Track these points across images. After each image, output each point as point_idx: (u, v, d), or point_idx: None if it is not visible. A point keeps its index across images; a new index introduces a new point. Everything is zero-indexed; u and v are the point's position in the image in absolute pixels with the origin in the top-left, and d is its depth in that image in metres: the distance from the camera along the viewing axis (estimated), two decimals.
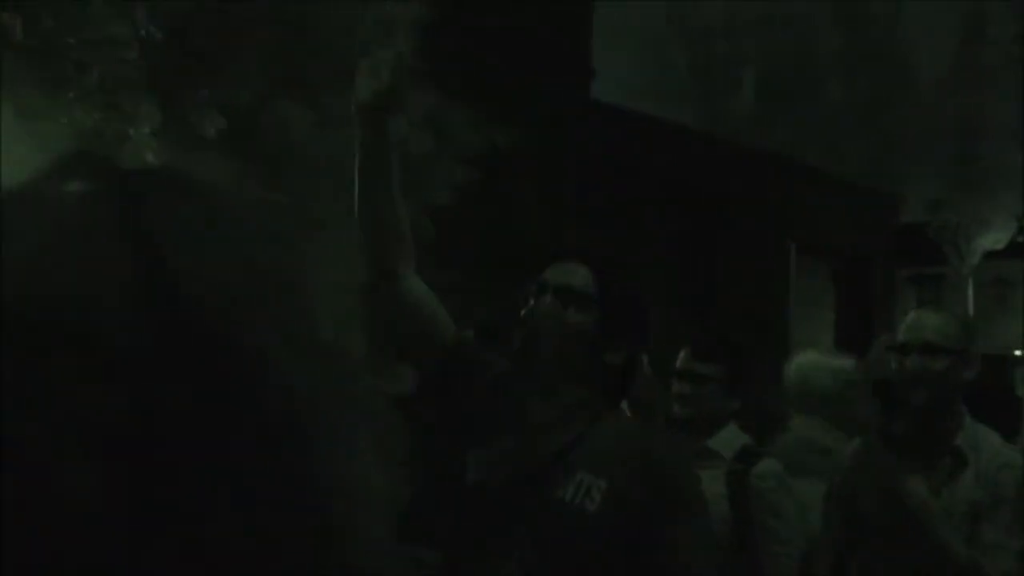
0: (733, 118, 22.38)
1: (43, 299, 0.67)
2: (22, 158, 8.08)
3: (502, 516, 2.87)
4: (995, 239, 22.13)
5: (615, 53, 16.90)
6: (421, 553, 3.70)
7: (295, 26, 8.42)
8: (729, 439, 4.47)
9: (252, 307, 0.71)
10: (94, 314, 0.66)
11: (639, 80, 20.00)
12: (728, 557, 4.23)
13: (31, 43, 8.00)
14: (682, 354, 4.63)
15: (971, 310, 21.86)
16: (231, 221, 0.75)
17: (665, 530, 2.85)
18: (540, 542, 2.81)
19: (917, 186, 22.41)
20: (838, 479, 4.31)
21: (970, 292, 22.04)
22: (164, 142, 8.02)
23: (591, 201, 14.04)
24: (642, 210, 15.48)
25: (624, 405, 6.28)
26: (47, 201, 0.72)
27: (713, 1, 23.45)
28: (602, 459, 2.86)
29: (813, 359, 5.42)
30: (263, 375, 0.70)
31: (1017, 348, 16.74)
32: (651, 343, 3.45)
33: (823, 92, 23.54)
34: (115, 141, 7.80)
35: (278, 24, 8.37)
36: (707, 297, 16.77)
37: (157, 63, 8.06)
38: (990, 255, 22.36)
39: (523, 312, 2.97)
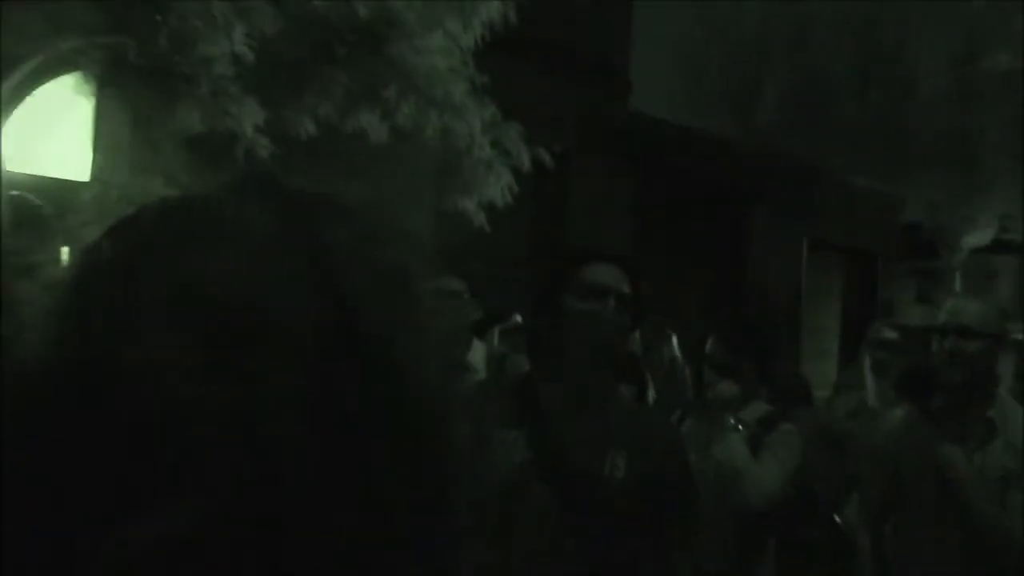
0: (757, 129, 22.33)
1: (243, 301, 0.68)
2: (138, 161, 8.19)
3: (552, 492, 2.94)
4: (980, 237, 22.20)
5: (653, 68, 16.86)
6: None
7: (371, 48, 8.41)
8: (756, 410, 4.53)
9: (388, 306, 0.74)
10: (278, 314, 0.68)
11: (675, 93, 19.99)
12: None
13: (143, 62, 8.05)
14: (709, 343, 4.65)
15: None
16: (372, 237, 0.78)
17: (669, 493, 3.03)
18: (579, 506, 2.91)
19: (916, 190, 22.34)
20: (881, 445, 4.36)
21: (958, 283, 22.08)
22: (272, 139, 8.08)
23: (629, 203, 14.05)
24: (671, 210, 15.44)
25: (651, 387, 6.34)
26: (232, 220, 0.73)
27: (744, 25, 23.39)
28: (620, 437, 2.99)
29: None
30: (403, 366, 0.72)
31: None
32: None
33: (837, 107, 23.45)
34: (228, 140, 7.86)
35: (356, 44, 8.36)
36: (733, 286, 16.73)
37: (255, 74, 8.08)
38: (976, 251, 22.40)
39: (568, 309, 3.02)
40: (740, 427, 4.39)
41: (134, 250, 0.73)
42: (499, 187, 9.32)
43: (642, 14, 15.97)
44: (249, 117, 7.94)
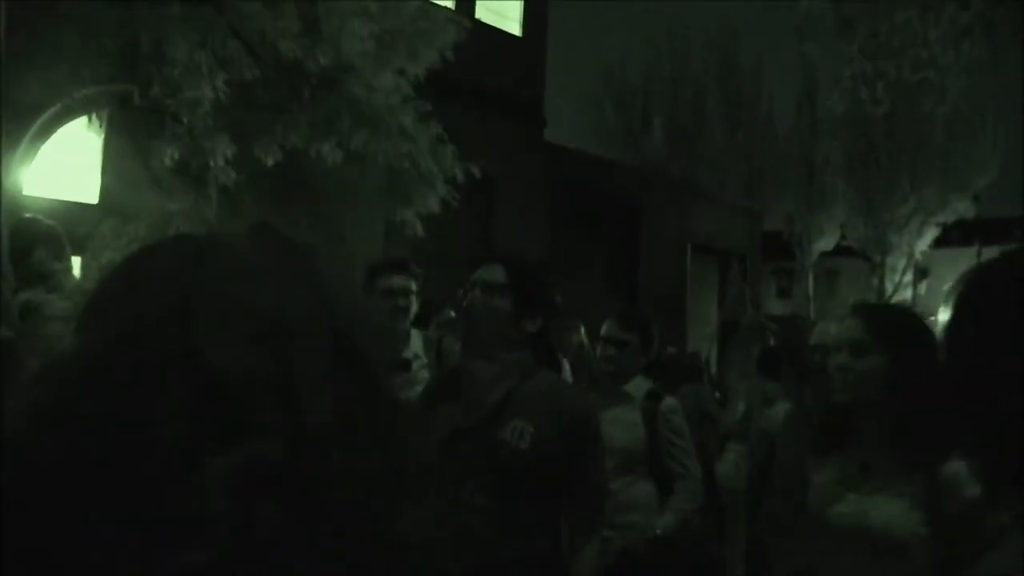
0: (647, 154, 22.53)
1: (257, 323, 0.70)
2: (138, 186, 8.11)
3: (459, 454, 2.84)
4: (826, 243, 22.62)
5: (562, 106, 16.96)
6: None
7: (330, 87, 8.38)
8: (639, 385, 4.52)
9: (362, 328, 0.76)
10: (287, 331, 0.70)
11: (579, 126, 20.15)
12: (644, 465, 4.35)
13: (142, 104, 7.98)
14: (607, 324, 4.64)
15: (811, 292, 22.23)
16: (347, 276, 0.82)
17: (575, 463, 2.86)
18: (486, 472, 2.79)
19: (776, 204, 22.66)
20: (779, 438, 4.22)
21: (811, 280, 22.47)
22: (239, 170, 8.01)
23: (544, 216, 14.09)
24: (578, 220, 15.51)
25: (566, 366, 6.30)
26: (245, 256, 0.75)
27: (631, 70, 23.63)
28: (532, 409, 2.83)
29: None
30: (382, 385, 0.76)
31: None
32: (559, 316, 3.46)
33: (709, 135, 23.75)
34: (201, 171, 7.81)
35: (318, 86, 8.33)
36: (630, 284, 16.84)
37: (229, 114, 8.02)
38: (823, 254, 22.80)
39: (463, 301, 3.00)
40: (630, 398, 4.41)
41: (153, 274, 0.74)
42: (436, 199, 9.26)
43: (552, 59, 16.05)
44: (220, 150, 7.88)
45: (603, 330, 4.62)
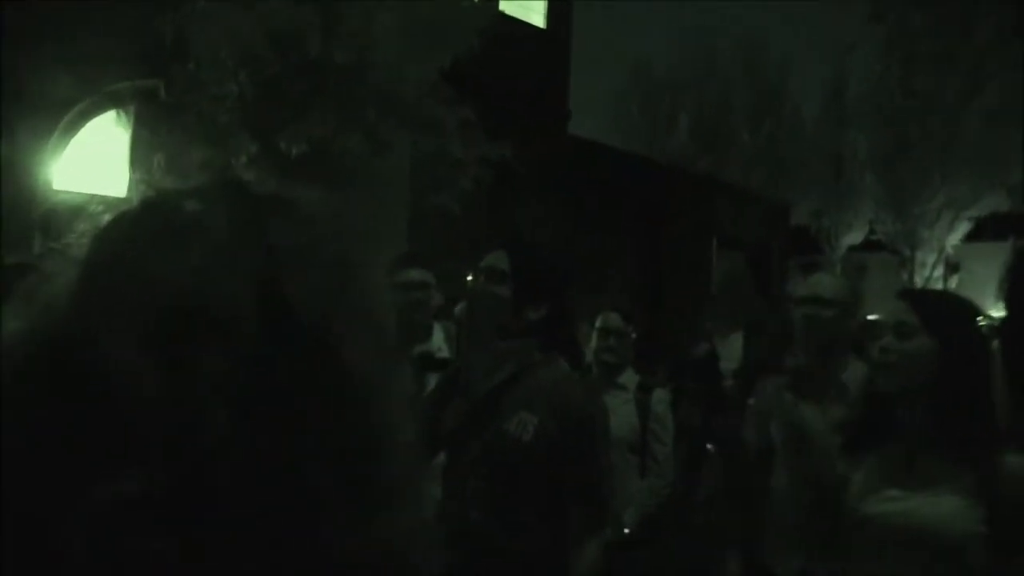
0: (672, 149, 22.47)
1: (189, 295, 0.64)
2: (164, 180, 8.18)
3: (462, 447, 2.78)
4: (854, 237, 22.45)
5: (588, 99, 16.93)
6: None
7: (355, 81, 8.42)
8: (631, 376, 4.61)
9: (331, 299, 0.68)
10: (220, 307, 0.64)
11: (604, 120, 20.12)
12: (635, 451, 4.43)
13: (168, 99, 8.07)
14: (606, 316, 4.70)
15: None
16: (321, 237, 0.72)
17: (580, 458, 2.76)
18: (489, 465, 2.70)
19: (802, 198, 22.55)
20: (757, 407, 4.23)
21: (799, 279, 22.24)
22: (261, 166, 8.07)
23: (566, 208, 14.08)
24: (602, 214, 15.50)
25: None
26: (189, 220, 0.68)
27: (658, 66, 23.55)
28: (535, 401, 2.73)
29: None
30: (338, 356, 0.67)
31: (871, 314, 16.81)
32: (570, 307, 3.35)
33: (735, 130, 23.65)
34: (219, 170, 7.87)
35: (343, 78, 8.37)
36: (653, 279, 16.81)
37: (255, 111, 8.09)
38: (851, 248, 22.65)
39: (468, 287, 3.01)
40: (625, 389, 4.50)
41: (101, 247, 0.69)
42: (467, 182, 9.29)
43: (578, 56, 16.04)
44: (242, 146, 7.95)
45: (599, 322, 4.68)
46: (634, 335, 4.75)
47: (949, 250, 21.61)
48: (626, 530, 4.19)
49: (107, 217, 0.72)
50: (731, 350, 10.68)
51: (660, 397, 4.59)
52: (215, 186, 0.73)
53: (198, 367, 0.62)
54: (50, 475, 0.61)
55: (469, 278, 2.99)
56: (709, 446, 5.67)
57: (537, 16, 14.88)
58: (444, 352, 4.29)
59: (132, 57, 8.24)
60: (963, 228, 21.37)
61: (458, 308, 6.24)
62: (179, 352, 0.62)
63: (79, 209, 3.55)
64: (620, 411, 4.37)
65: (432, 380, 3.86)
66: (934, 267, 21.65)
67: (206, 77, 7.70)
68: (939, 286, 21.92)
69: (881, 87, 20.76)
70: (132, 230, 0.69)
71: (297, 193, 0.74)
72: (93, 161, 9.41)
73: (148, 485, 0.60)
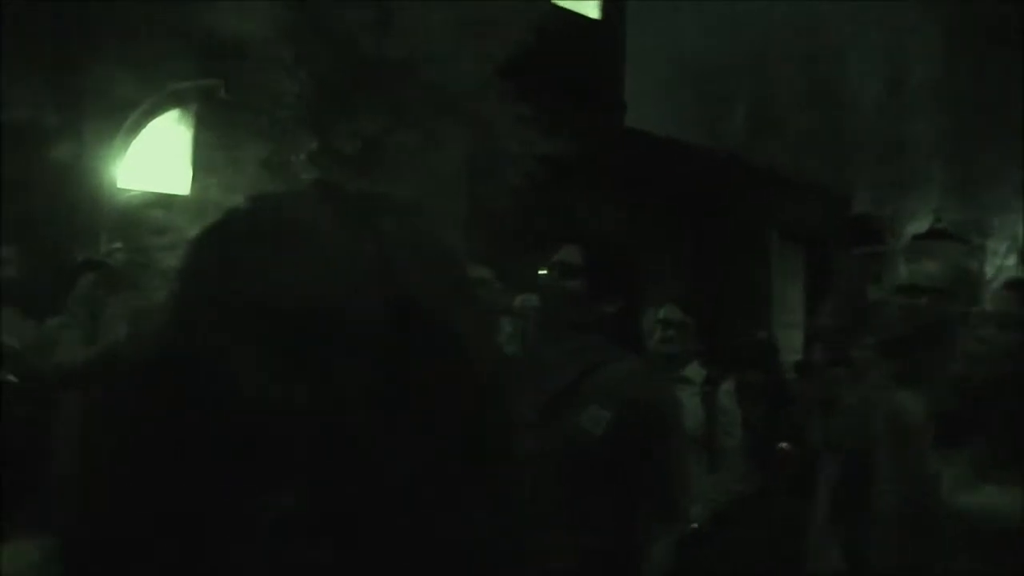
0: (728, 139, 22.25)
1: (313, 300, 0.62)
2: (226, 178, 8.32)
3: (535, 441, 2.76)
4: (918, 225, 22.01)
5: (642, 91, 16.83)
6: None
7: (409, 77, 8.47)
8: (696, 370, 4.60)
9: (442, 289, 0.67)
10: (346, 310, 0.62)
11: (659, 111, 19.95)
12: (702, 444, 4.40)
13: (228, 98, 8.19)
14: (665, 308, 4.69)
15: (904, 277, 21.65)
16: (422, 227, 0.70)
17: (654, 453, 2.77)
18: (561, 459, 2.66)
19: (863, 186, 22.21)
20: (854, 400, 4.10)
21: (901, 266, 21.90)
22: (318, 161, 8.16)
23: (622, 201, 14.01)
24: (658, 206, 15.41)
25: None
26: (299, 222, 0.67)
27: (710, 56, 23.30)
28: (609, 395, 2.73)
29: None
30: (464, 353, 0.66)
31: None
32: (640, 301, 3.26)
33: (792, 119, 23.35)
34: (279, 167, 7.98)
35: (398, 76, 8.42)
36: (711, 271, 16.67)
37: (313, 108, 8.18)
38: (916, 237, 22.20)
39: (540, 281, 2.99)
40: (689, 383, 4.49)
41: (211, 256, 0.67)
42: (521, 178, 9.30)
43: (631, 48, 15.95)
44: (302, 143, 8.04)
45: (661, 313, 4.67)
46: (694, 326, 4.74)
47: (1023, 239, 21.08)
48: (694, 525, 4.17)
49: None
50: (790, 342, 10.57)
51: (727, 390, 4.58)
52: (310, 187, 0.72)
53: (332, 373, 0.60)
54: (200, 492, 0.60)
55: (541, 272, 2.96)
56: (784, 444, 5.62)
57: (591, 7, 14.79)
58: (511, 348, 4.31)
59: (193, 57, 8.37)
60: None
61: (517, 302, 6.28)
62: (313, 359, 0.60)
63: (143, 208, 3.65)
64: (686, 405, 4.35)
65: None
66: (1006, 256, 21.16)
67: (264, 76, 7.79)
68: (1011, 276, 21.40)
69: (946, 70, 20.29)
70: (241, 235, 0.67)
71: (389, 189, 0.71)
72: (156, 160, 9.57)
73: (301, 498, 0.59)
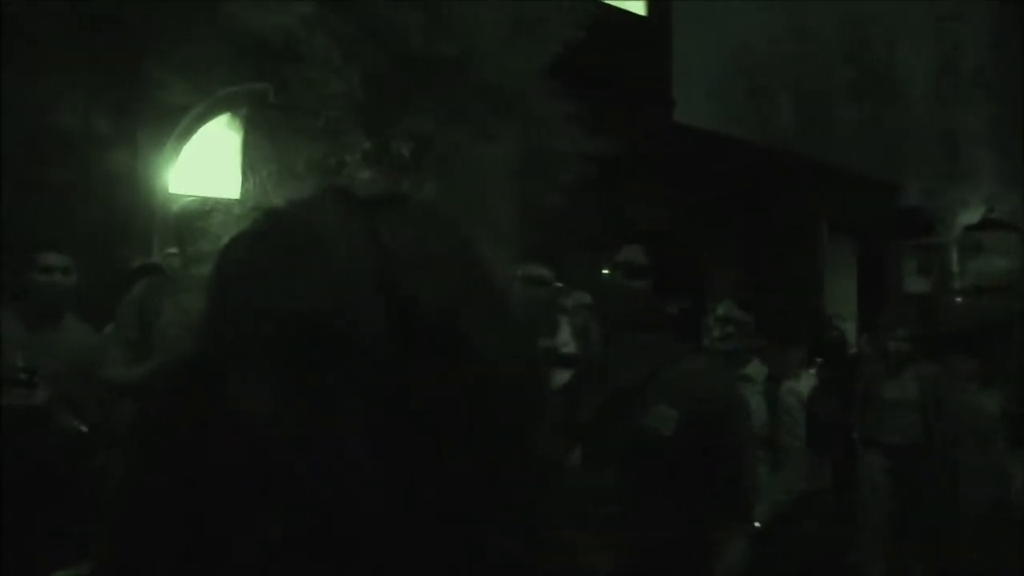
0: (777, 133, 22.03)
1: (317, 313, 0.61)
2: (276, 181, 8.34)
3: (601, 441, 2.75)
4: (971, 216, 21.72)
5: (690, 86, 16.73)
6: None
7: (460, 76, 8.47)
8: (758, 368, 4.53)
9: (454, 296, 0.65)
10: (348, 324, 0.61)
11: (707, 106, 19.83)
12: (765, 444, 4.32)
13: (278, 102, 8.21)
14: (725, 304, 4.63)
15: (955, 268, 21.41)
16: (442, 234, 0.69)
17: (723, 452, 2.74)
18: (629, 459, 2.68)
19: (914, 177, 21.92)
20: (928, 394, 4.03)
21: (954, 256, 21.66)
22: (374, 163, 8.17)
23: (672, 196, 13.91)
24: (708, 202, 15.27)
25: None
26: (313, 223, 0.66)
27: (755, 47, 23.12)
28: (676, 394, 2.70)
29: None
30: (471, 353, 0.64)
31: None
32: (703, 300, 3.24)
33: (841, 111, 23.09)
34: (335, 167, 7.99)
35: (449, 75, 8.43)
36: (761, 265, 16.51)
37: (365, 109, 8.18)
38: (968, 228, 21.91)
39: (602, 281, 2.96)
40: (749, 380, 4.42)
41: (226, 268, 0.67)
42: (571, 177, 9.26)
43: (679, 44, 15.83)
44: (356, 143, 8.04)
45: (720, 310, 4.62)
46: (753, 323, 4.66)
47: None
48: (756, 524, 4.12)
49: (225, 235, 0.71)
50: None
51: (790, 388, 4.50)
52: (322, 193, 0.71)
53: (332, 384, 0.59)
54: (201, 508, 0.60)
55: (604, 272, 2.94)
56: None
57: (638, 4, 14.69)
58: (571, 347, 4.25)
59: (242, 61, 8.39)
60: None
61: (570, 301, 6.19)
62: (314, 371, 0.59)
63: (195, 213, 3.59)
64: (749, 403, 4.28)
65: (557, 375, 3.86)
66: None
67: (314, 78, 7.79)
68: None
69: (997, 57, 19.93)
70: (253, 248, 0.67)
71: (404, 189, 0.67)
72: (207, 165, 9.61)
73: (303, 512, 0.58)
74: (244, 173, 9.33)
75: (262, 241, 0.67)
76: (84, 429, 3.87)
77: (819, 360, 7.08)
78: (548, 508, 0.68)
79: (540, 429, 0.69)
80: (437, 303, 0.63)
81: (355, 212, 0.68)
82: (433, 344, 0.62)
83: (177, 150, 9.39)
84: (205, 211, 7.19)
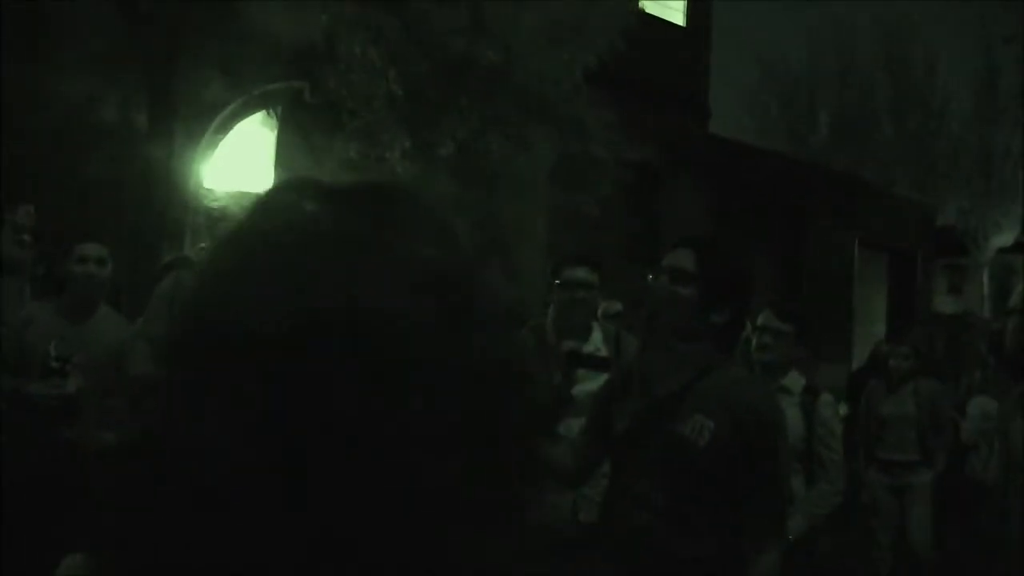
0: (812, 147, 21.90)
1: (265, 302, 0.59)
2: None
3: (635, 450, 2.69)
4: (1004, 238, 21.57)
5: (726, 97, 16.65)
6: None
7: (500, 81, 8.46)
8: (796, 379, 4.43)
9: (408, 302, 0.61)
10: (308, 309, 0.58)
11: (744, 118, 19.80)
12: (801, 457, 4.20)
13: (315, 100, 8.20)
14: (764, 314, 4.54)
15: (986, 290, 21.23)
16: (412, 230, 0.65)
17: (759, 464, 2.65)
18: (663, 468, 2.61)
19: (949, 198, 21.75)
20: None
21: (985, 278, 21.50)
22: (414, 161, 8.15)
23: (709, 208, 13.84)
24: (742, 215, 15.18)
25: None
26: (281, 213, 0.64)
27: (793, 64, 23.04)
28: (713, 404, 2.62)
29: None
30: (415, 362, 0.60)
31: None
32: (752, 308, 3.15)
33: (878, 127, 22.92)
34: (374, 164, 7.97)
35: (489, 79, 8.41)
36: (794, 281, 16.39)
37: (403, 110, 8.17)
38: (1001, 250, 21.75)
39: (648, 284, 2.80)
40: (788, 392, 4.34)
41: (210, 264, 0.66)
42: (609, 184, 9.18)
43: (716, 55, 15.77)
44: (397, 142, 8.02)
45: (759, 320, 4.52)
46: (793, 334, 4.54)
47: None
48: (790, 537, 4.06)
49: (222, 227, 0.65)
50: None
51: (827, 401, 4.39)
52: (280, 187, 0.68)
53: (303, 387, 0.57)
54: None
55: (650, 277, 2.85)
56: None
57: (677, 14, 14.63)
58: (603, 352, 4.18)
59: (279, 59, 8.40)
60: None
61: (602, 308, 6.10)
62: (280, 364, 0.57)
63: (228, 208, 3.55)
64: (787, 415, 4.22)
65: (585, 378, 3.79)
66: None
67: (355, 77, 7.78)
68: None
69: None
70: (215, 255, 0.66)
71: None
72: (241, 162, 9.62)
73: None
74: (276, 169, 9.34)
75: (225, 247, 0.65)
76: (110, 439, 3.82)
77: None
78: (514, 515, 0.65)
79: (522, 433, 0.65)
80: (365, 302, 0.59)
81: (315, 202, 0.65)
82: (364, 347, 0.59)
83: (212, 146, 9.41)
84: (237, 206, 7.20)
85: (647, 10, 13.18)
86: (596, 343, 4.24)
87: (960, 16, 20.75)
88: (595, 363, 3.75)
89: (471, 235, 0.68)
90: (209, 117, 9.15)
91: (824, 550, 4.70)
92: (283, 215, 0.64)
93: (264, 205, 0.66)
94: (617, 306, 6.53)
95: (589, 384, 3.58)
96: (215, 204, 8.58)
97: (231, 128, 9.58)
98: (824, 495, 4.28)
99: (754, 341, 4.55)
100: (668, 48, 13.67)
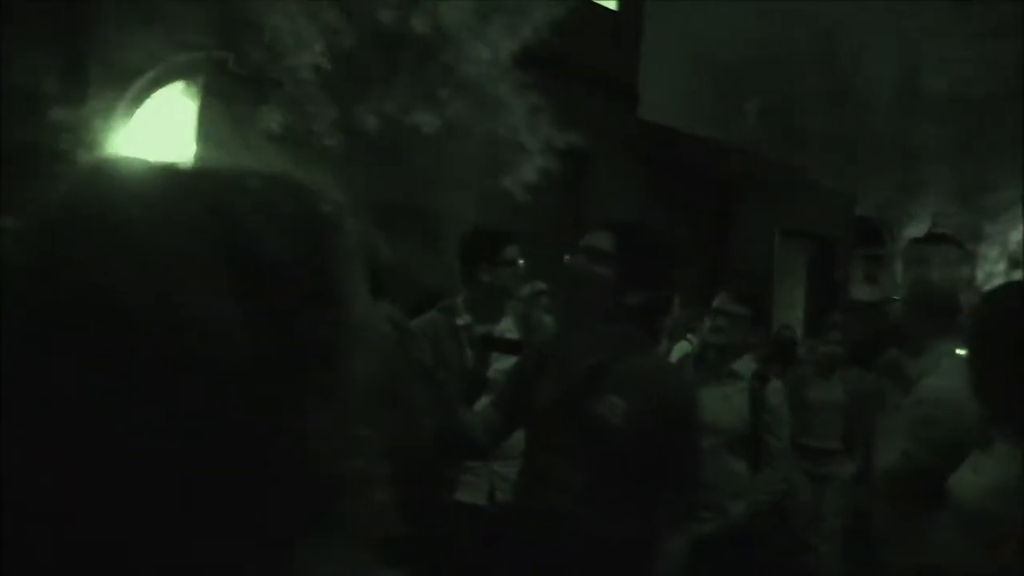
0: (739, 134, 22.11)
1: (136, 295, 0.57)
2: (230, 151, 8.08)
3: (552, 428, 2.72)
4: (917, 229, 22.16)
5: (656, 83, 16.71)
6: None
7: (427, 56, 8.36)
8: (747, 364, 4.39)
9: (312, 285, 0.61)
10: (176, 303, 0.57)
11: (672, 103, 19.87)
12: (747, 444, 4.18)
13: (240, 71, 7.99)
14: (719, 297, 4.50)
15: (899, 279, 21.76)
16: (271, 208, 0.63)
17: (670, 448, 2.68)
18: (579, 449, 2.65)
19: (869, 189, 22.19)
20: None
21: (899, 267, 22.07)
22: (340, 135, 8.01)
23: (636, 193, 13.85)
24: (670, 198, 15.23)
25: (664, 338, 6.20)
26: (134, 210, 0.62)
27: (730, 46, 23.24)
28: (627, 386, 2.65)
29: None
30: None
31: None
32: (673, 290, 3.17)
33: (803, 117, 23.27)
34: (301, 137, 7.83)
35: (417, 56, 8.31)
36: (718, 264, 16.53)
37: (330, 82, 8.02)
38: (914, 240, 22.36)
39: (564, 265, 2.81)
40: (737, 376, 4.31)
41: (31, 248, 0.62)
42: (533, 169, 9.09)
43: (647, 36, 15.75)
44: (324, 114, 7.88)
45: (715, 303, 4.50)
46: (750, 318, 4.51)
47: (1013, 246, 21.13)
48: (732, 522, 4.05)
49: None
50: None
51: (776, 388, 4.36)
52: (158, 169, 0.65)
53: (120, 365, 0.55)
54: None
55: (567, 257, 2.80)
56: None
57: None
58: (513, 334, 4.13)
59: (202, 28, 8.13)
60: None
61: (525, 289, 6.05)
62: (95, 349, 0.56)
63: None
64: (732, 400, 4.18)
65: (497, 360, 3.76)
66: (996, 262, 21.27)
67: (281, 49, 7.59)
68: (1000, 282, 21.36)
69: (960, 75, 20.11)
70: (62, 226, 0.62)
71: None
72: (159, 132, 9.32)
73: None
74: (197, 141, 9.07)
75: (71, 221, 0.62)
76: None
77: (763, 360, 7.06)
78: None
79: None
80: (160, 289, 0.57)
81: (195, 192, 0.63)
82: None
83: (129, 114, 9.08)
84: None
85: None
86: (507, 324, 4.19)
87: (888, 9, 21.00)
88: (507, 346, 3.73)
89: (354, 223, 0.65)
90: (124, 85, 8.82)
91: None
92: (99, 196, 0.61)
93: (78, 183, 0.63)
94: (540, 286, 6.54)
95: (504, 364, 3.55)
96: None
97: (150, 96, 9.26)
98: (769, 482, 4.26)
99: (708, 323, 4.54)
100: (599, 32, 13.57)
